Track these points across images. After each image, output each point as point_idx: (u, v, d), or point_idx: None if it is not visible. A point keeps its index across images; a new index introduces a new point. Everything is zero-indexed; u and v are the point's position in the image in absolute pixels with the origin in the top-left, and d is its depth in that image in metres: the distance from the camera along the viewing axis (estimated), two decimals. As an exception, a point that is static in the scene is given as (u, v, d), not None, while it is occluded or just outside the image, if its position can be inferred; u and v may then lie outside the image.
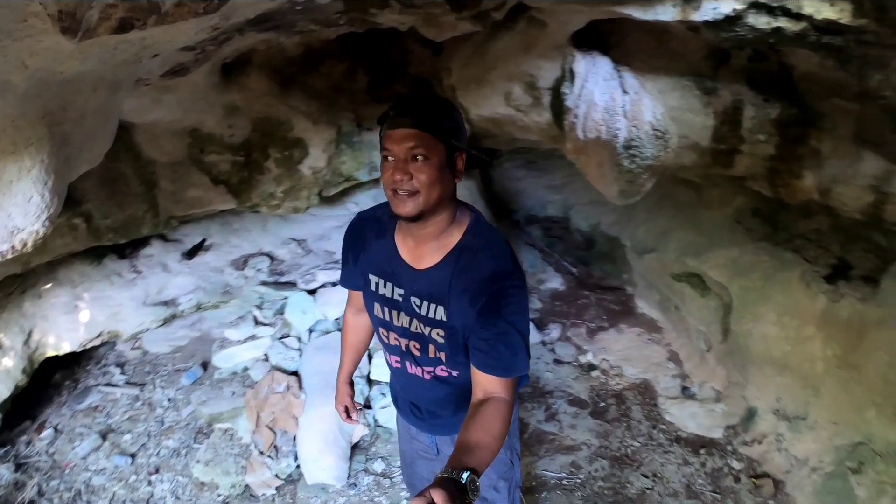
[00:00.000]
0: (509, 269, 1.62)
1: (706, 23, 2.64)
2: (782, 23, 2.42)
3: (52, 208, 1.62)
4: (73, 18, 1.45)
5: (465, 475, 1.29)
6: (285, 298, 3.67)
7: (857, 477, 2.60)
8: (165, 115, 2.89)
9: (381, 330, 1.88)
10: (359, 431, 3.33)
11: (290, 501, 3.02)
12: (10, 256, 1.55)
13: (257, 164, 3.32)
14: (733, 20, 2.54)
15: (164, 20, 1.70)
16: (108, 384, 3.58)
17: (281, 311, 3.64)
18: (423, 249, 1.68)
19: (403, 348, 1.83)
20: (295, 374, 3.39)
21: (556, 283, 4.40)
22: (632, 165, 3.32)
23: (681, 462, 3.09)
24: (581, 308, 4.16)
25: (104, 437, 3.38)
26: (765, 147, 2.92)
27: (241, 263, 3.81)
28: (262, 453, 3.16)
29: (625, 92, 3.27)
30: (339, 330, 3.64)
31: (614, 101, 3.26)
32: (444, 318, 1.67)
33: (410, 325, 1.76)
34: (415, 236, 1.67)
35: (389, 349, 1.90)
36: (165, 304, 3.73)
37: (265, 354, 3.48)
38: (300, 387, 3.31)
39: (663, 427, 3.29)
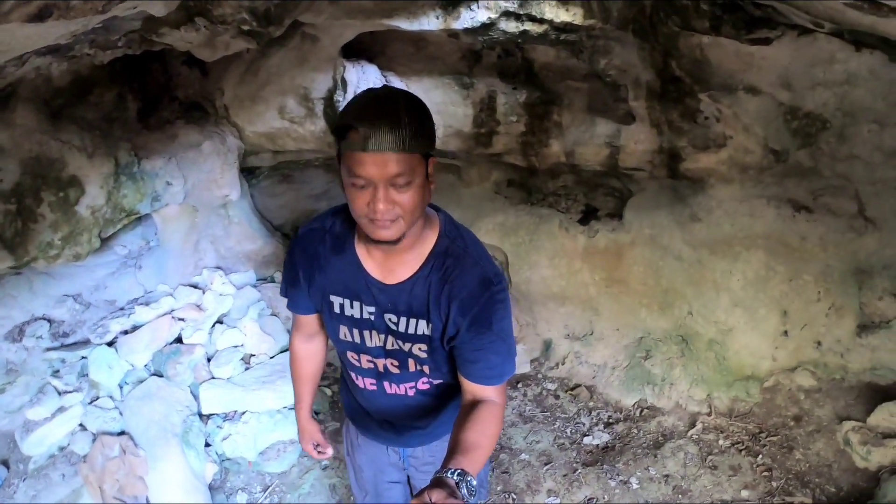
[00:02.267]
0: (495, 273, 1.59)
1: (465, 30, 3.31)
2: (528, 26, 3.19)
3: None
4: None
5: (459, 475, 1.31)
6: (83, 359, 3.38)
7: (649, 362, 3.56)
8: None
9: (349, 354, 1.79)
10: (209, 471, 3.29)
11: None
12: None
13: (30, 212, 3.07)
14: (488, 26, 3.25)
15: (67, 13, 1.75)
16: None
17: (83, 374, 3.34)
18: (394, 262, 1.60)
19: (381, 369, 1.77)
20: (123, 433, 3.19)
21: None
22: (408, 158, 3.88)
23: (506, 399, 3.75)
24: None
25: None
26: (517, 126, 3.72)
27: (17, 334, 3.37)
28: (115, 527, 2.94)
29: (394, 94, 3.80)
30: (157, 373, 3.48)
31: (387, 103, 3.78)
32: (428, 332, 1.63)
33: (386, 343, 1.70)
34: (384, 249, 1.55)
35: (361, 372, 1.82)
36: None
37: (80, 424, 3.18)
38: (135, 444, 3.14)
39: (484, 377, 3.93)
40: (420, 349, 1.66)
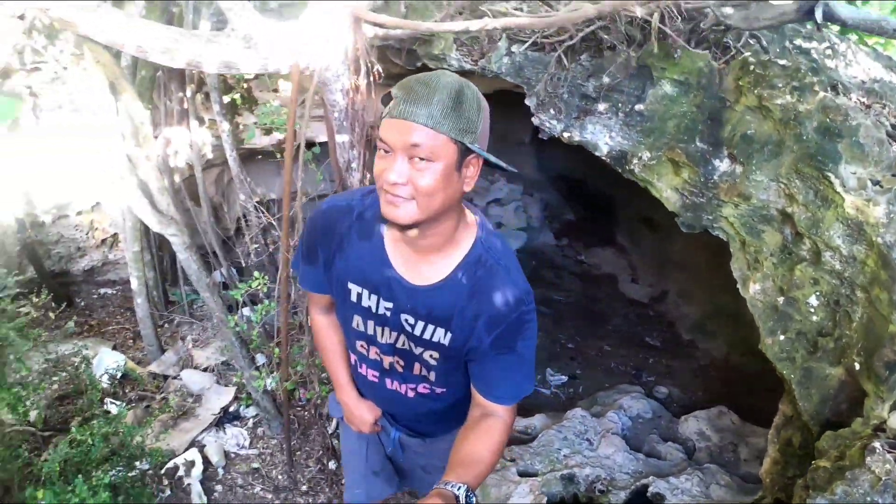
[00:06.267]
0: (527, 290, 1.62)
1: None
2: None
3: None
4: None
5: (461, 489, 1.40)
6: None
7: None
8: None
9: (358, 342, 1.85)
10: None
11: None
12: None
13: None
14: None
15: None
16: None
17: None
18: (423, 262, 1.61)
19: (386, 365, 1.84)
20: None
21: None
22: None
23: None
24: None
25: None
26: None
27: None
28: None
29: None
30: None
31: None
32: (446, 343, 1.66)
33: (397, 341, 1.75)
34: (413, 245, 1.58)
35: (367, 362, 1.90)
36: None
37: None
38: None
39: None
40: (431, 356, 1.72)
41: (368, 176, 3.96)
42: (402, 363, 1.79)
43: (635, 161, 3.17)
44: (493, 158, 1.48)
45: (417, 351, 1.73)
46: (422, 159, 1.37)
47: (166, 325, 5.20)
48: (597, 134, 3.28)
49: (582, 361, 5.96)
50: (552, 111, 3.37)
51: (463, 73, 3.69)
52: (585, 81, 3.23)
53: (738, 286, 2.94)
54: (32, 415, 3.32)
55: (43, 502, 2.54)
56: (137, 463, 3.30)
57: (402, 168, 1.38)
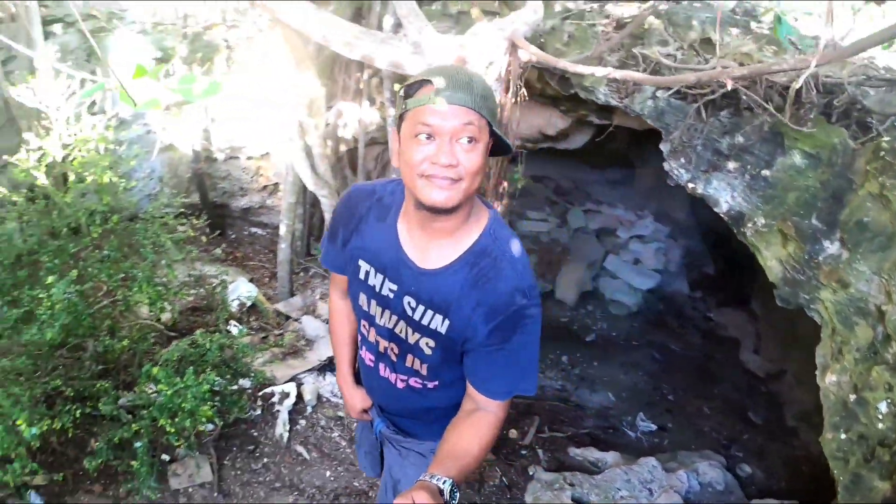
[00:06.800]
0: (531, 285, 1.63)
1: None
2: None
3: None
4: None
5: (446, 483, 1.41)
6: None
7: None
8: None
9: (362, 321, 1.91)
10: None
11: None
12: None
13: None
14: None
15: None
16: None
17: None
18: (433, 246, 1.66)
19: (381, 349, 1.88)
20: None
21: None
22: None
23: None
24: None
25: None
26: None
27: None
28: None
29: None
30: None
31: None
32: (443, 331, 1.68)
33: (395, 326, 1.78)
34: (427, 229, 1.64)
35: (367, 343, 1.95)
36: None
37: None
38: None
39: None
40: (427, 344, 1.74)
41: (503, 183, 4.26)
42: (395, 351, 1.84)
43: (750, 224, 3.25)
44: (509, 142, 1.60)
45: (413, 339, 1.76)
46: (469, 140, 1.47)
47: (301, 274, 5.78)
48: (720, 190, 3.40)
49: (677, 416, 5.95)
50: (683, 160, 3.52)
51: (608, 107, 3.92)
52: (721, 137, 3.36)
53: (817, 372, 2.95)
54: (165, 316, 3.89)
55: (154, 385, 3.06)
56: (241, 380, 3.83)
57: (452, 150, 1.46)
